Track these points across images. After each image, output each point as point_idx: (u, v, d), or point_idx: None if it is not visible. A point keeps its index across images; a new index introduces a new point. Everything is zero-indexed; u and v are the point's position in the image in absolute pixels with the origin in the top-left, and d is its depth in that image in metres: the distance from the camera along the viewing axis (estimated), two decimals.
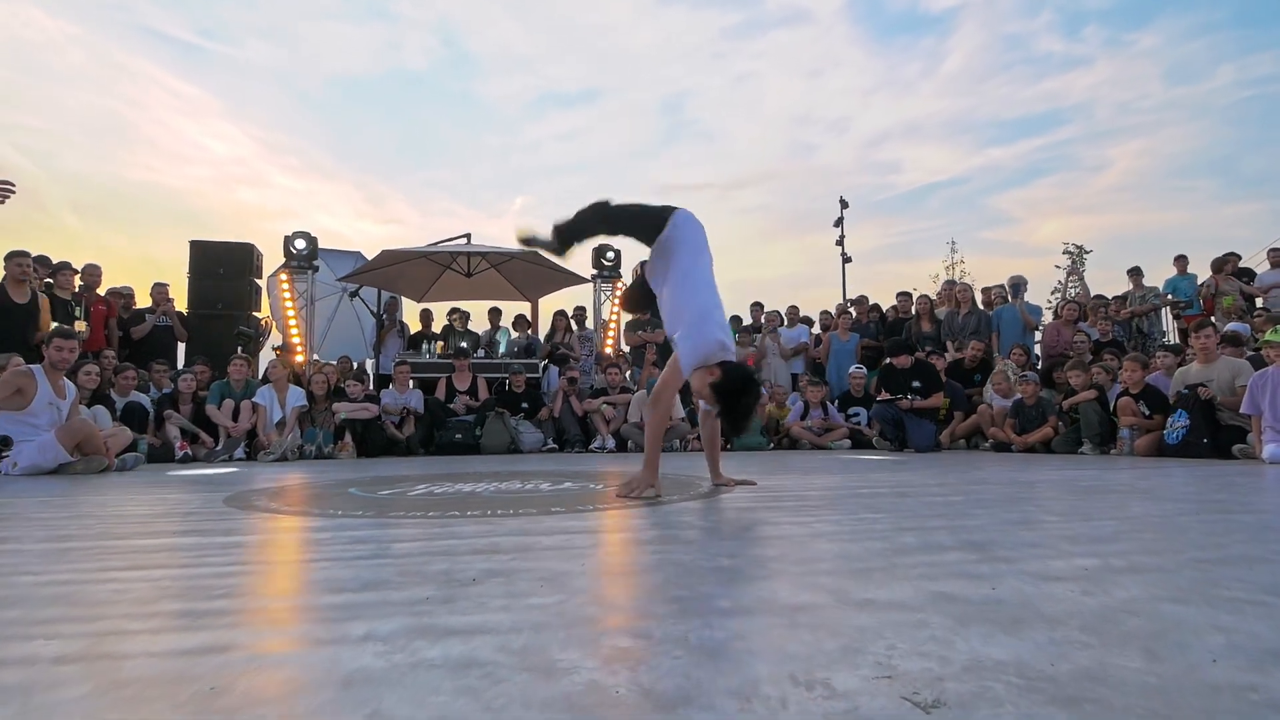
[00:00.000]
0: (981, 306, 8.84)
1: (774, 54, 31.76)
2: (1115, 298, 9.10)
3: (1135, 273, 8.97)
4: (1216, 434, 5.42)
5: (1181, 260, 9.10)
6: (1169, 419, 5.64)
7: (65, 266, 7.17)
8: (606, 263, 9.87)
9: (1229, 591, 1.33)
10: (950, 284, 9.92)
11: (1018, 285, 8.58)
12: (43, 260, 7.01)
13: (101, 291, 7.70)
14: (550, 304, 10.63)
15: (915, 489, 3.27)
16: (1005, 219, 35.88)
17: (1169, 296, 8.80)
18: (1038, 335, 8.58)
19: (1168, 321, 9.07)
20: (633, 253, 9.95)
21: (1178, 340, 8.49)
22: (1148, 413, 5.82)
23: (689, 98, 34.18)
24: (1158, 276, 9.22)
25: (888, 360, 7.48)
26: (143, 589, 1.44)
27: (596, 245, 9.71)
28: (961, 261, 22.96)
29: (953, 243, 24.50)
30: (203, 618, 1.20)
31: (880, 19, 32.23)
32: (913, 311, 8.87)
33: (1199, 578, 1.45)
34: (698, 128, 34.42)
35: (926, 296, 8.96)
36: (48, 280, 6.86)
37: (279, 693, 0.86)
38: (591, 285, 9.95)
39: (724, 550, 1.76)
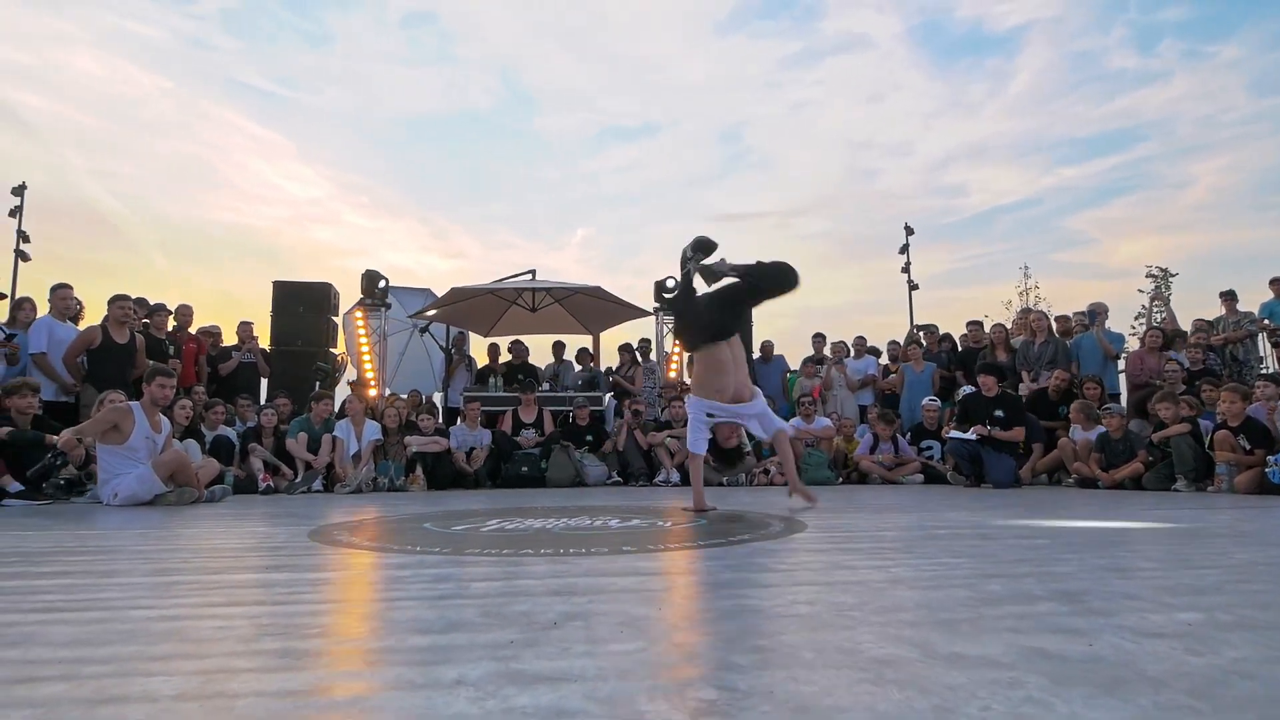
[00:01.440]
0: (1059, 334, 8.51)
1: (832, 80, 31.68)
2: (1206, 323, 8.62)
3: (1228, 296, 8.48)
4: None
5: (1278, 283, 8.58)
6: (1273, 456, 5.28)
7: (161, 308, 7.66)
8: (668, 294, 9.93)
9: None
10: (1026, 311, 9.59)
11: (1095, 312, 8.20)
12: (141, 302, 7.51)
13: (192, 330, 8.18)
14: (613, 337, 10.75)
15: (996, 531, 3.15)
16: (1081, 240, 34.50)
17: (1265, 321, 8.29)
18: (1121, 364, 8.18)
19: (1265, 348, 8.53)
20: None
21: (1277, 368, 7.98)
22: (1248, 447, 5.47)
23: (746, 127, 34.37)
24: (1252, 300, 8.71)
25: (964, 390, 7.26)
26: (244, 626, 1.51)
27: (658, 279, 9.77)
28: (1036, 287, 22.08)
29: (1025, 267, 23.61)
30: (303, 657, 1.26)
31: (942, 41, 31.82)
32: (985, 340, 8.60)
33: None
34: (755, 156, 34.52)
35: (1001, 325, 8.69)
36: (144, 321, 7.33)
37: None
38: (654, 318, 10.03)
39: (802, 596, 1.74)
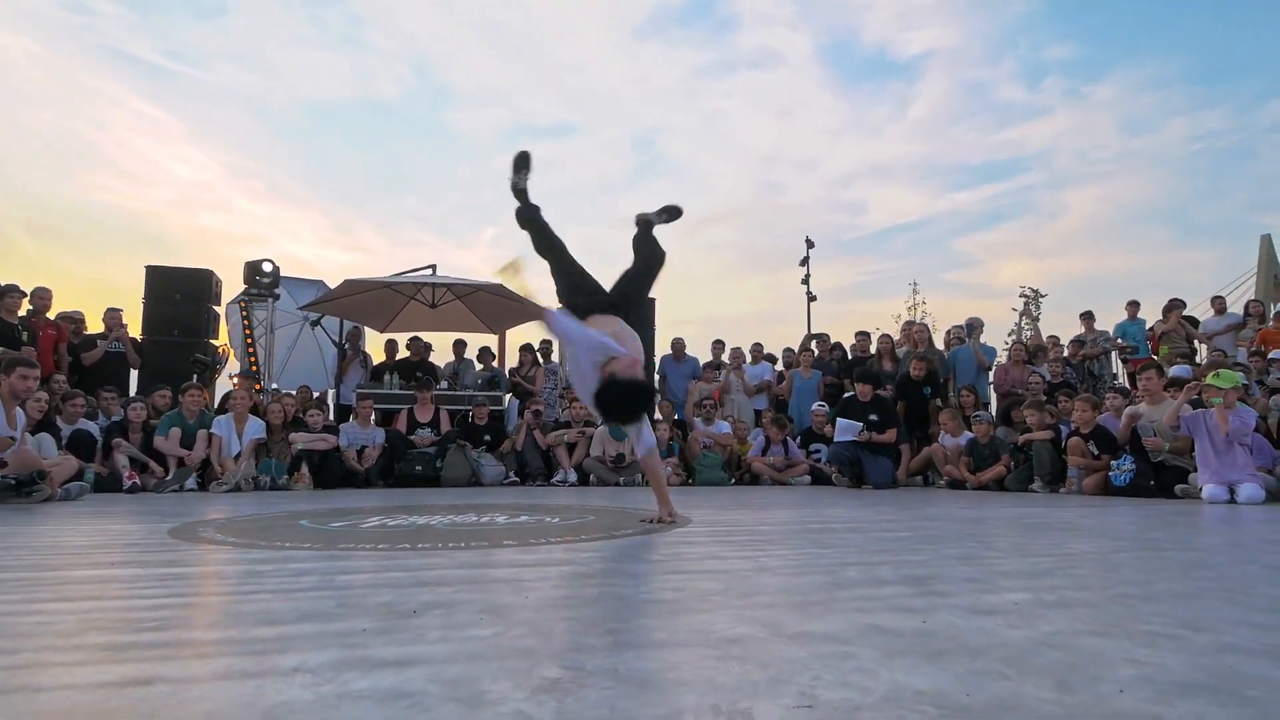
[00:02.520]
0: (941, 347, 9.06)
1: (745, 93, 32.53)
2: (1071, 340, 9.39)
3: (1087, 316, 9.28)
4: (1161, 474, 5.61)
5: (1133, 305, 9.45)
6: (1115, 461, 5.80)
7: (13, 289, 6.98)
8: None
9: (1148, 625, 1.38)
10: (909, 324, 10.15)
11: (972, 326, 8.80)
12: None
13: (51, 315, 7.50)
14: (517, 337, 10.61)
15: (866, 525, 3.32)
16: (968, 261, 36.93)
17: (1119, 340, 9.11)
18: (991, 376, 8.80)
19: (1118, 364, 9.37)
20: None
21: (1126, 383, 8.77)
22: (1096, 453, 5.98)
23: (660, 134, 34.80)
24: (1110, 320, 9.56)
25: (847, 394, 7.63)
26: (69, 621, 1.40)
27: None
28: (923, 302, 23.53)
29: (914, 284, 25.12)
30: (127, 650, 1.18)
31: (849, 63, 33.30)
32: (873, 350, 9.04)
33: (1122, 612, 1.50)
34: (668, 164, 34.99)
35: (888, 335, 9.16)
36: None
37: None
38: None
39: (668, 584, 1.77)
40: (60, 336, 7.39)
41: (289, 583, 1.82)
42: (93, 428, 6.42)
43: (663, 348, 9.74)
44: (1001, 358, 8.74)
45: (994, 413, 7.69)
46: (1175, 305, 9.08)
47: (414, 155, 34.13)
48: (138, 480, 6.21)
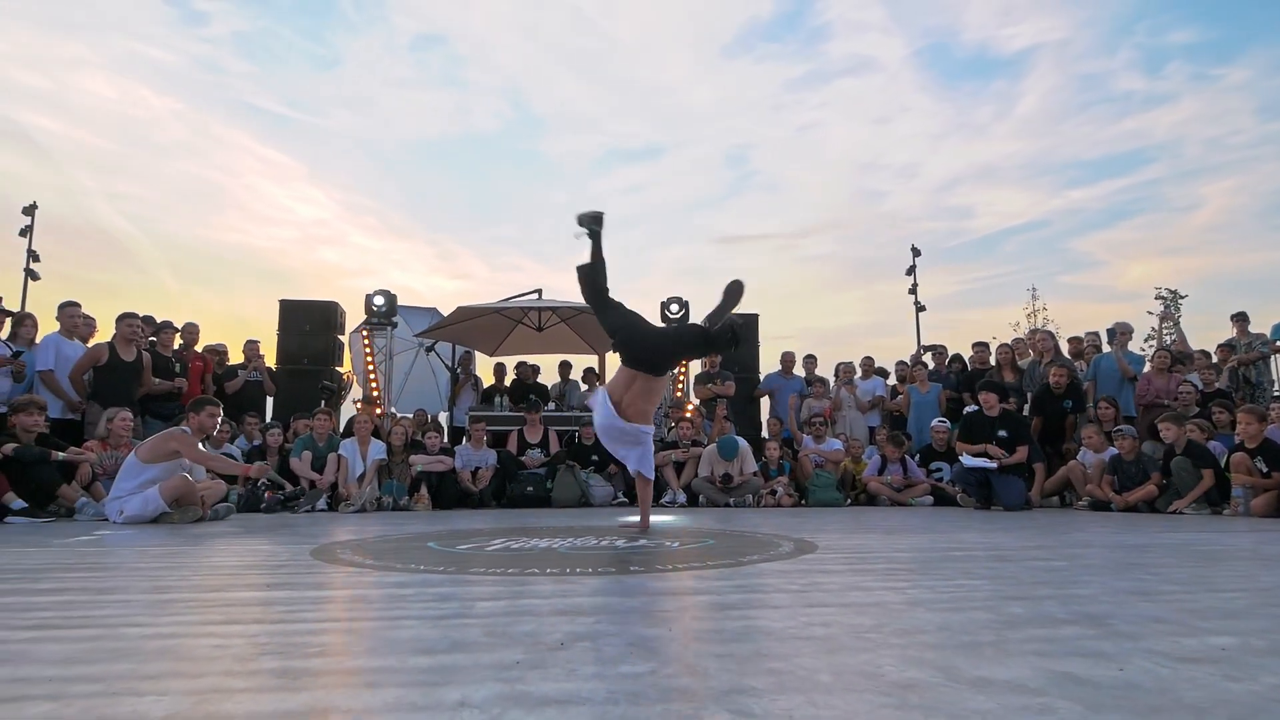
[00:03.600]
0: (1068, 355, 8.42)
1: (838, 103, 31.83)
2: (1220, 345, 8.54)
3: (1240, 318, 8.41)
4: None
5: None
6: None
7: (168, 326, 7.65)
8: (672, 315, 9.91)
9: None
10: (1033, 332, 9.53)
11: (1116, 332, 8.04)
12: (148, 320, 7.51)
13: (198, 349, 8.17)
14: (618, 358, 10.69)
15: (1012, 552, 3.08)
16: (1089, 262, 34.39)
17: (1278, 344, 8.21)
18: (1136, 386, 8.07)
19: (1277, 370, 8.44)
20: (698, 305, 9.91)
21: None
22: (1265, 469, 5.38)
23: (752, 149, 34.52)
24: (1264, 321, 8.63)
25: (969, 409, 7.20)
26: (240, 645, 1.47)
27: (663, 299, 9.74)
28: (1044, 309, 22.04)
29: (1033, 289, 23.53)
30: (301, 677, 1.21)
31: (948, 64, 31.98)
32: (992, 361, 8.52)
33: None
34: (761, 179, 34.63)
35: (1007, 345, 8.60)
36: (151, 339, 7.33)
37: None
38: None
39: (816, 619, 1.68)
40: (206, 367, 8.03)
41: (432, 608, 1.85)
42: (235, 452, 6.91)
43: (766, 364, 9.57)
44: (1144, 366, 7.99)
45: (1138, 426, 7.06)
46: None
47: (511, 184, 35.37)
48: (275, 497, 6.62)
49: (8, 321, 6.65)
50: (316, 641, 1.50)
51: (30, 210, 11.64)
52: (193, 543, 3.70)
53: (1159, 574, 2.41)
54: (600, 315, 4.44)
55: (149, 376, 6.84)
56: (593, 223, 4.30)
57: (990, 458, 6.38)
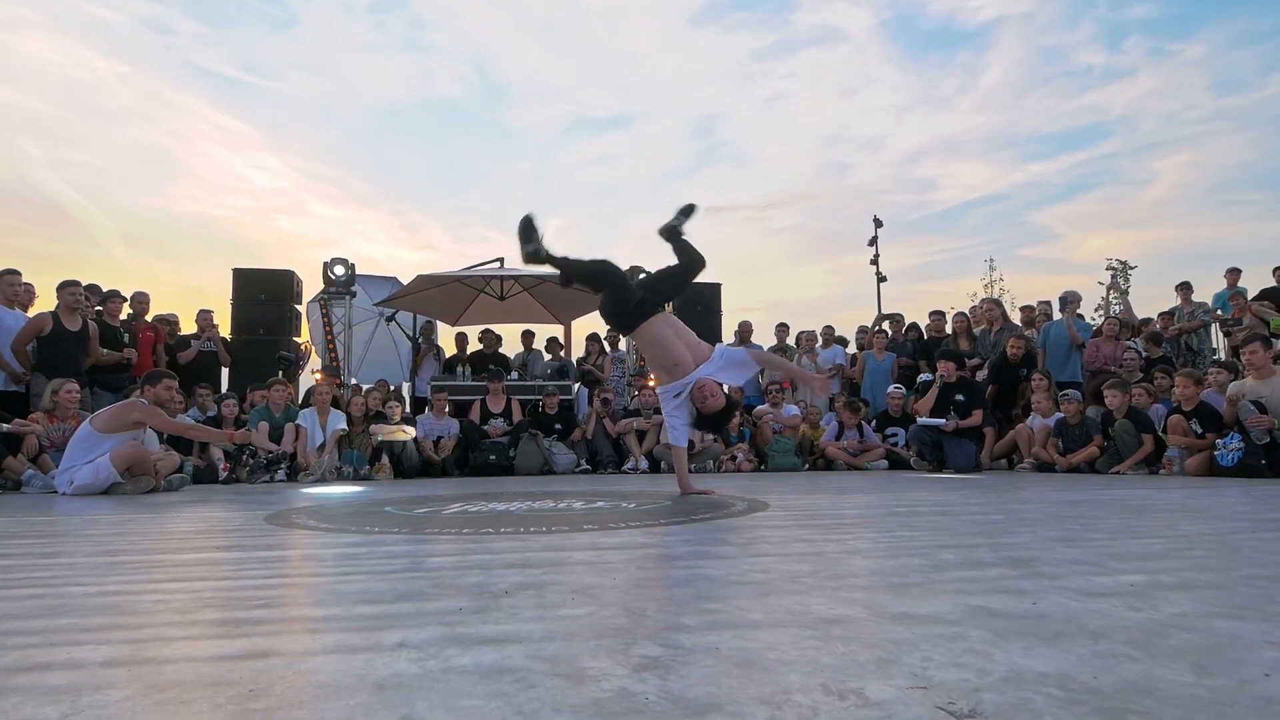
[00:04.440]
0: (1020, 323, 8.65)
1: (806, 74, 31.75)
2: (1162, 313, 8.85)
3: (1184, 288, 8.71)
4: (1274, 453, 5.22)
5: (1233, 273, 8.83)
6: (1221, 440, 5.44)
7: (114, 295, 7.43)
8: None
9: None
10: (982, 301, 9.76)
11: (1067, 300, 8.26)
12: (93, 289, 7.28)
13: (149, 318, 7.96)
14: (583, 326, 10.70)
15: (955, 508, 3.20)
16: (1047, 235, 35.10)
17: (1218, 312, 8.53)
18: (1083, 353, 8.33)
19: (1218, 338, 8.78)
20: None
21: (1228, 357, 8.21)
22: (1200, 431, 5.62)
23: (720, 120, 34.35)
24: (1207, 292, 8.96)
25: (924, 377, 7.39)
26: (185, 599, 1.47)
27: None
28: (1001, 279, 22.48)
29: (990, 260, 23.98)
30: (241, 626, 1.23)
31: (914, 35, 32.05)
32: (948, 330, 8.72)
33: (1254, 594, 1.39)
34: (729, 150, 34.53)
35: (963, 314, 8.80)
36: (98, 308, 7.11)
37: (314, 695, 0.88)
38: None
39: (757, 566, 1.74)
40: (158, 338, 7.83)
41: (383, 564, 1.87)
42: (190, 422, 6.79)
43: (728, 334, 9.66)
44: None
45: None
46: None
47: (476, 153, 34.76)
48: (236, 472, 6.54)
49: None
50: (261, 595, 1.51)
51: None
52: (144, 511, 3.65)
53: (1088, 524, 2.53)
54: (604, 288, 4.10)
55: (95, 346, 6.65)
56: (529, 232, 4.00)
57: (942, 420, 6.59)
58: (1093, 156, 32.87)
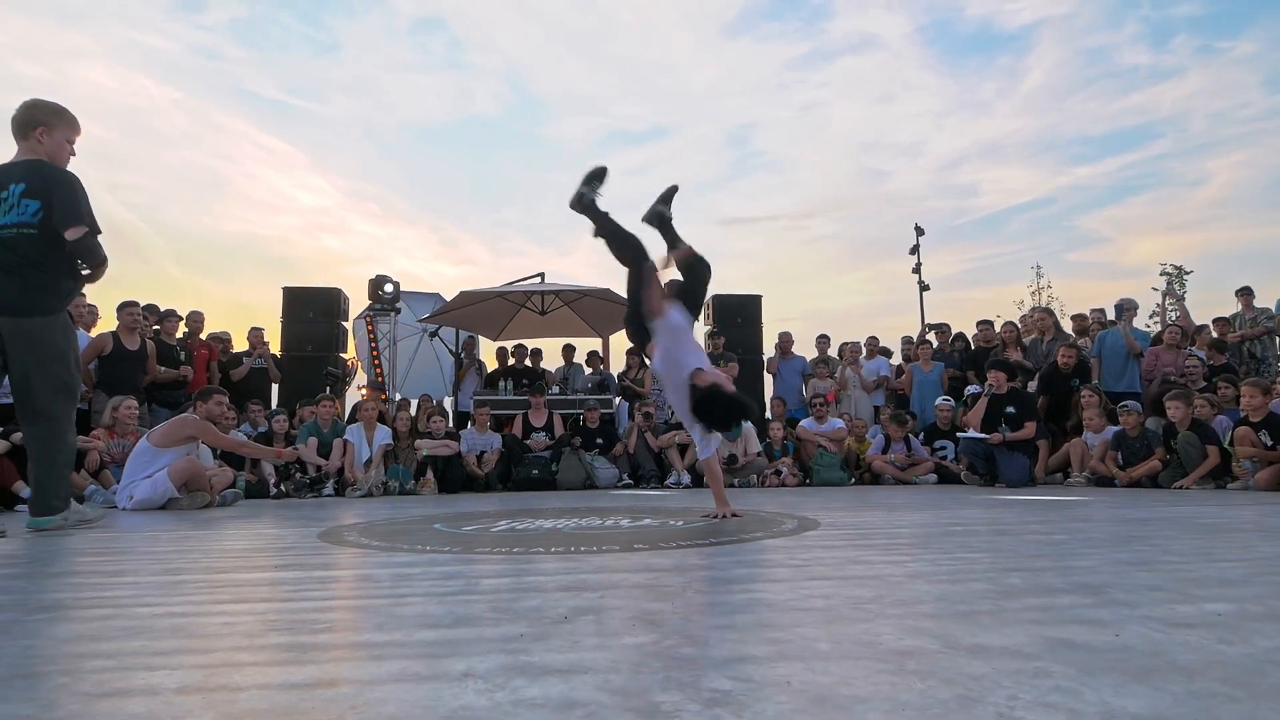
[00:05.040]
0: (1071, 332, 8.41)
1: (842, 81, 31.53)
2: (1218, 319, 8.50)
3: (1245, 293, 8.36)
4: None
5: None
6: None
7: (171, 314, 7.69)
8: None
9: None
10: (1032, 310, 9.52)
11: (1123, 308, 7.98)
12: (151, 309, 7.54)
13: (203, 336, 8.21)
14: (622, 340, 10.70)
15: (1013, 527, 3.10)
16: (1095, 239, 34.15)
17: None
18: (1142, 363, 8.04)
19: None
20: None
21: None
22: (1270, 443, 5.38)
23: (755, 129, 34.27)
24: (1269, 296, 8.59)
25: (971, 389, 7.22)
26: (250, 622, 1.49)
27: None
28: (1048, 286, 21.87)
29: (1038, 267, 23.32)
30: (308, 651, 1.24)
31: (952, 40, 31.63)
32: (996, 340, 8.51)
33: None
34: (765, 159, 34.42)
35: (1012, 323, 8.58)
36: (155, 327, 7.36)
37: None
38: None
39: (817, 590, 1.70)
40: (212, 355, 8.07)
41: (438, 586, 1.87)
42: (242, 438, 6.96)
43: (769, 346, 9.58)
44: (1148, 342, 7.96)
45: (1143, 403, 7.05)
46: None
47: (513, 168, 35.23)
48: (282, 486, 6.68)
49: None
50: (323, 618, 1.52)
51: None
52: (202, 527, 3.74)
53: (1159, 546, 2.43)
54: (632, 261, 3.84)
55: (154, 365, 6.88)
56: (597, 178, 3.85)
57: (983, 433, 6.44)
58: (1141, 158, 31.97)
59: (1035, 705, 0.92)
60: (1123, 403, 6.53)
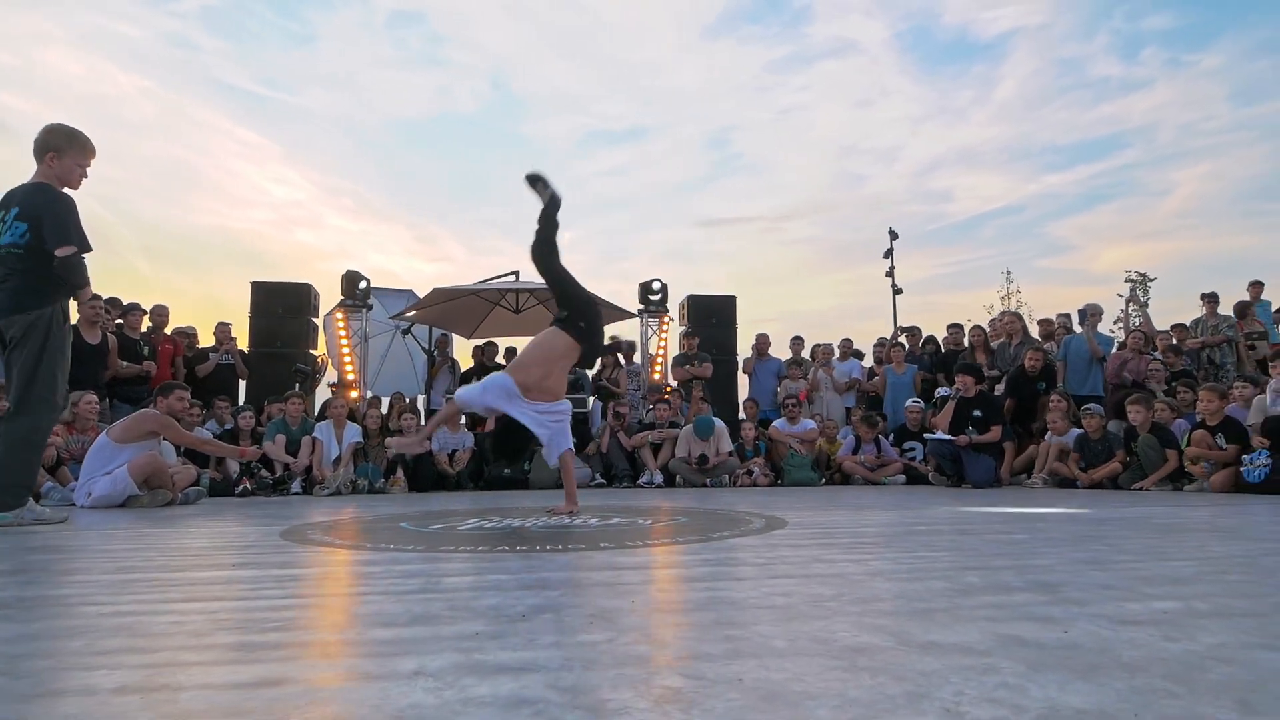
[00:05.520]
0: (1038, 336, 8.55)
1: (821, 85, 31.81)
2: (1176, 325, 8.69)
3: (1210, 299, 8.53)
4: None
5: (1256, 286, 8.69)
6: (1248, 455, 5.33)
7: (135, 308, 7.52)
8: (653, 297, 9.91)
9: None
10: (1002, 314, 9.66)
11: (1088, 313, 8.12)
12: (113, 302, 7.37)
13: (168, 331, 8.04)
14: None
15: (976, 526, 3.15)
16: (1064, 247, 34.84)
17: (1242, 324, 8.39)
18: (1106, 367, 8.20)
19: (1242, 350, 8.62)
20: (678, 287, 9.99)
21: (1252, 370, 8.06)
22: (1224, 447, 5.51)
23: (735, 131, 34.44)
24: (1229, 305, 8.80)
25: (941, 391, 7.32)
26: (199, 621, 1.46)
27: (643, 281, 9.84)
28: (1017, 291, 22.28)
29: (1007, 272, 23.76)
30: (256, 650, 1.21)
31: (929, 47, 32.07)
32: (965, 343, 8.63)
33: None
34: (744, 161, 34.61)
35: (980, 327, 8.71)
36: (118, 321, 7.20)
37: None
38: (638, 319, 9.99)
39: (778, 589, 1.71)
40: (176, 350, 7.90)
41: (397, 584, 1.85)
42: (207, 435, 6.83)
43: (745, 347, 9.64)
44: (1113, 347, 8.12)
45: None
46: None
47: (492, 165, 35.05)
48: (248, 485, 6.57)
49: None
50: (276, 617, 1.49)
51: None
52: (161, 525, 3.66)
53: (1114, 545, 2.48)
54: (567, 284, 4.16)
55: (115, 359, 6.73)
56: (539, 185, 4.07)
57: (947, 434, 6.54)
58: (1110, 167, 32.67)
59: (981, 700, 0.93)
60: (1085, 406, 6.66)
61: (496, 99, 32.68)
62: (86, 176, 3.79)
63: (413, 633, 1.32)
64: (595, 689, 0.99)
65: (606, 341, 4.33)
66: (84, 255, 3.63)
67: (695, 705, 0.92)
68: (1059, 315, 8.84)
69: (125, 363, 6.87)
